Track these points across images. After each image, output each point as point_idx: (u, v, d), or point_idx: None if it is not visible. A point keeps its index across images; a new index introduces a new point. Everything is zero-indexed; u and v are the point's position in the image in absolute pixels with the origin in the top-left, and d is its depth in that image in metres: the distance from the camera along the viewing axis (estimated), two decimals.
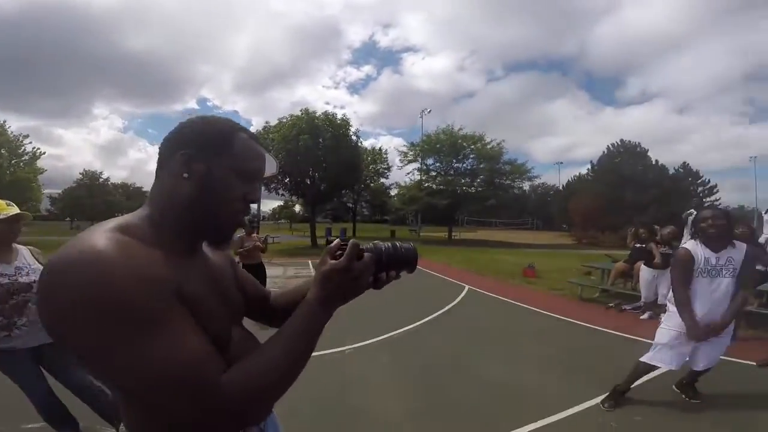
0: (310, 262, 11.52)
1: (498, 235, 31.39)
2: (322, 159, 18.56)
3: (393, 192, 32.98)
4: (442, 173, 27.71)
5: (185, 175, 0.66)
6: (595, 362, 3.82)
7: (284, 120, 19.50)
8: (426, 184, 27.60)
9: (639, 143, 33.11)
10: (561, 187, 44.22)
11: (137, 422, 0.66)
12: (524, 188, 30.82)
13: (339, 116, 20.02)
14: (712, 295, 2.50)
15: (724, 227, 2.51)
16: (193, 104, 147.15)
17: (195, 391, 0.56)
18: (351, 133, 20.47)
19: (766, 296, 4.94)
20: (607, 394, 2.84)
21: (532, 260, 10.32)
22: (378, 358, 3.82)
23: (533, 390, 3.12)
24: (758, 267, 3.97)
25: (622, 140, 33.69)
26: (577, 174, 40.09)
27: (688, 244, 2.68)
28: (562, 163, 74.98)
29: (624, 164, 32.08)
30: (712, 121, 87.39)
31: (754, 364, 3.46)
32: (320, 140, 18.45)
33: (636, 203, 28.04)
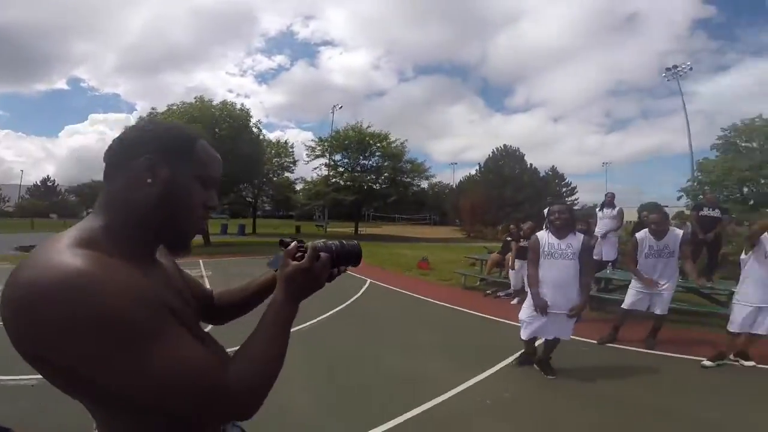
0: (201, 261, 10.65)
1: (400, 230, 33.09)
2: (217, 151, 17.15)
3: (298, 187, 32.12)
4: (350, 169, 28.03)
5: (149, 180, 0.64)
6: (475, 344, 4.43)
7: (174, 107, 17.49)
8: (333, 180, 27.61)
9: (518, 148, 38.19)
10: (454, 186, 48.54)
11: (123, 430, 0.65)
12: (423, 186, 33.05)
13: (239, 106, 18.74)
14: (558, 273, 3.16)
15: (567, 219, 3.22)
16: (62, 84, 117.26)
17: (207, 394, 0.59)
18: (251, 125, 19.35)
19: (604, 282, 6.05)
20: (517, 356, 3.63)
21: (427, 253, 11.25)
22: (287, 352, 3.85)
23: (422, 373, 3.51)
24: (595, 257, 5.04)
25: (505, 145, 38.43)
26: (468, 174, 44.42)
27: (539, 233, 3.37)
28: (456, 163, 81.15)
29: (505, 166, 36.68)
30: (578, 130, 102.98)
31: (595, 342, 4.20)
32: (216, 131, 17.01)
33: (513, 201, 32.43)
